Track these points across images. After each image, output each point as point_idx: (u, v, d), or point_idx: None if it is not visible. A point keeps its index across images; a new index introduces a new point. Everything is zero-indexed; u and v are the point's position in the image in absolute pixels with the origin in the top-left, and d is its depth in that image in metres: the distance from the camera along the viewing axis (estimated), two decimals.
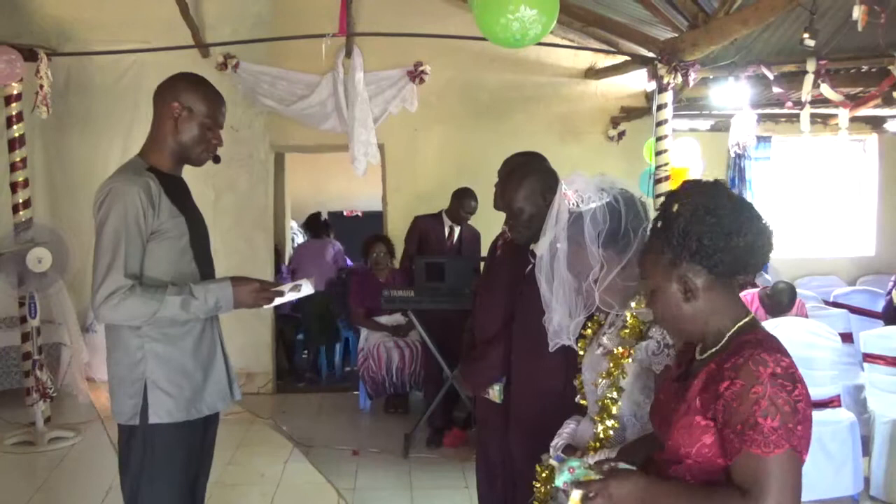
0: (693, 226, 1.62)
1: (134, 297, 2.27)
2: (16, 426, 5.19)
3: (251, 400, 6.18)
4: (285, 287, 2.57)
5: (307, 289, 2.58)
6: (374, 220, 8.21)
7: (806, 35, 3.98)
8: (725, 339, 1.65)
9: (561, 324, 2.17)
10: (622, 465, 1.72)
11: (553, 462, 1.89)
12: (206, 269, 2.55)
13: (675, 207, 1.65)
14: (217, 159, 2.57)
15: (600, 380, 2.09)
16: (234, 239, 6.51)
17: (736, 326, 1.66)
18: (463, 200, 5.69)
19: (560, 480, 1.76)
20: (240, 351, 6.41)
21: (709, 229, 1.61)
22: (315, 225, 8.05)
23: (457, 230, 5.80)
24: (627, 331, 2.07)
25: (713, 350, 1.67)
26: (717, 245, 1.61)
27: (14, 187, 5.17)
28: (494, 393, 2.83)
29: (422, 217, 5.93)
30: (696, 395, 1.62)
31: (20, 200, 5.16)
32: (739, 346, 1.60)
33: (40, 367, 5.09)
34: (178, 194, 2.47)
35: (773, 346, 1.60)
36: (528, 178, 2.67)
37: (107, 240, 2.29)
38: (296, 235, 9.62)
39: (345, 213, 10.71)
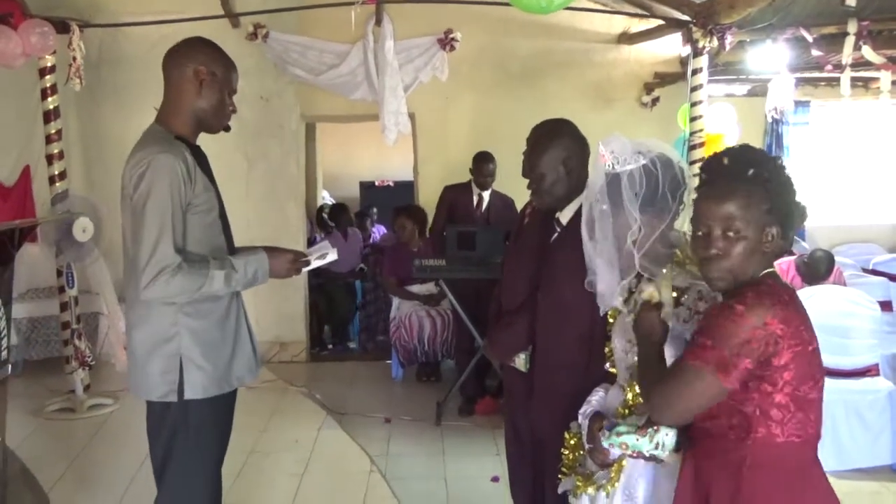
0: (789, 187, 1.76)
1: (182, 273, 2.22)
2: (56, 394, 5.31)
3: (285, 368, 6.27)
4: (312, 256, 2.60)
5: (332, 255, 2.63)
6: (405, 190, 8.21)
7: None
8: (742, 285, 1.74)
9: (609, 286, 2.15)
10: (664, 429, 1.82)
11: (603, 433, 1.96)
12: (230, 241, 2.53)
13: (778, 162, 1.79)
14: (228, 128, 2.51)
15: (631, 347, 2.07)
16: (266, 209, 6.56)
17: (760, 275, 1.76)
18: (479, 164, 5.68)
19: (606, 442, 1.92)
20: (274, 321, 6.52)
21: (787, 186, 1.77)
22: (337, 217, 8.07)
23: (486, 197, 5.75)
24: None
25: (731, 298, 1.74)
26: (798, 212, 1.78)
27: (50, 159, 5.24)
28: (520, 361, 2.82)
29: (451, 187, 5.91)
30: None
31: (56, 172, 5.22)
32: (743, 288, 1.71)
33: (79, 336, 5.19)
34: (205, 165, 2.44)
35: (774, 289, 1.70)
36: (551, 144, 2.66)
37: (152, 214, 2.22)
38: (328, 204, 9.67)
39: (376, 184, 10.72)
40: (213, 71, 2.38)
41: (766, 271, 1.76)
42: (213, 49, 2.44)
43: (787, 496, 1.69)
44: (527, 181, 2.75)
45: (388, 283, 6.13)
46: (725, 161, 1.77)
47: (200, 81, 2.37)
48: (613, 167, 2.05)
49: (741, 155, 1.78)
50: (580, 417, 2.19)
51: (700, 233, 1.77)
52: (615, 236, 2.07)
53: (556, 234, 2.69)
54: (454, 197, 5.83)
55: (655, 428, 1.82)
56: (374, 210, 8.82)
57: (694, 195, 1.88)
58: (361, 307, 7.36)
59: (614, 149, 2.06)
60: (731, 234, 1.72)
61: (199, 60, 2.37)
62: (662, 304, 1.94)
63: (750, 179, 1.73)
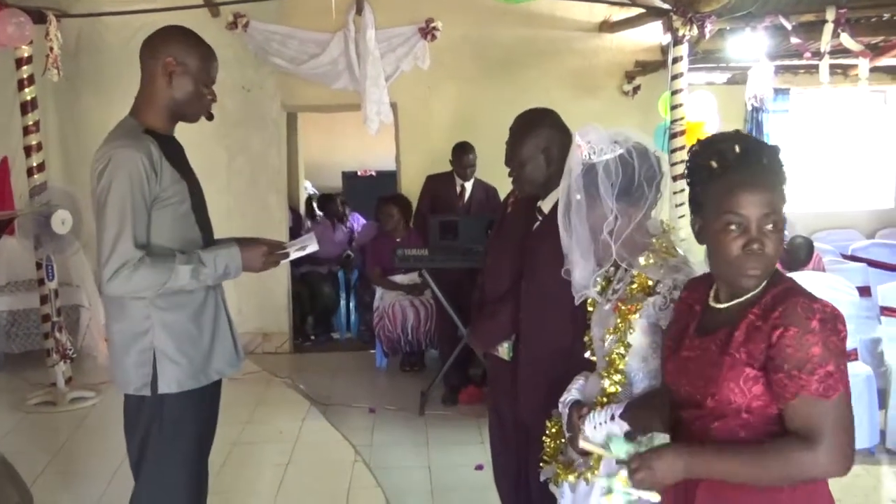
0: (783, 171, 1.68)
1: (144, 268, 2.20)
2: (37, 387, 5.28)
3: (269, 359, 6.27)
4: (291, 248, 2.55)
5: (312, 246, 2.57)
6: (388, 180, 8.18)
7: None
8: (764, 283, 1.66)
9: (583, 275, 2.16)
10: (658, 436, 1.71)
11: (590, 446, 1.89)
12: (207, 233, 2.49)
13: (773, 150, 1.68)
14: (210, 116, 2.48)
15: (608, 335, 2.09)
16: (248, 200, 6.54)
17: (771, 272, 1.67)
18: (459, 155, 5.69)
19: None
20: (257, 311, 6.51)
21: (785, 174, 1.69)
22: (325, 207, 8.08)
23: (468, 188, 5.77)
24: (635, 287, 2.06)
25: (747, 297, 1.66)
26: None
27: (28, 151, 5.20)
28: (503, 350, 2.83)
29: (433, 176, 5.92)
30: (739, 347, 1.62)
31: (34, 164, 5.19)
32: (781, 293, 1.62)
33: (59, 328, 5.17)
34: (177, 157, 2.40)
35: (806, 290, 1.63)
36: (531, 133, 2.68)
37: (112, 210, 2.20)
38: (317, 194, 9.64)
39: (359, 173, 10.68)
40: (185, 62, 2.34)
41: (773, 269, 1.69)
42: (188, 38, 2.39)
43: None
44: (509, 169, 2.77)
45: (371, 273, 6.13)
46: (737, 149, 1.66)
47: (171, 73, 2.33)
48: (590, 157, 2.05)
49: (748, 142, 1.68)
50: (560, 406, 2.21)
51: (732, 227, 1.62)
52: (590, 227, 2.07)
53: (538, 223, 2.71)
54: (437, 187, 5.84)
55: (649, 435, 1.73)
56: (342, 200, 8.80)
57: (672, 184, 1.85)
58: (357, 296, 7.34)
59: (590, 139, 2.06)
60: (769, 226, 1.62)
61: (171, 51, 2.33)
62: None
63: (767, 168, 1.65)
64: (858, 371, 4.30)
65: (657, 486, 1.67)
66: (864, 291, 5.11)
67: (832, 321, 1.56)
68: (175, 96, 2.35)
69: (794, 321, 1.55)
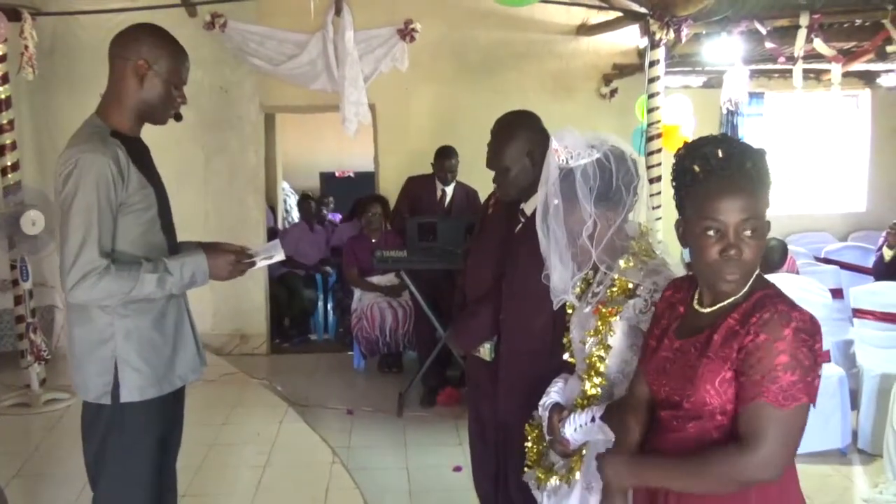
0: (769, 175, 1.68)
1: (109, 276, 2.15)
2: (11, 388, 5.22)
3: (246, 361, 6.23)
4: (258, 256, 2.51)
5: (279, 255, 2.54)
6: (366, 181, 8.19)
7: None
8: (747, 288, 1.67)
9: (561, 280, 2.17)
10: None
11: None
12: (172, 239, 2.44)
13: (758, 154, 1.68)
14: (179, 117, 2.42)
15: (588, 338, 2.11)
16: (226, 200, 6.52)
17: (754, 277, 1.68)
18: (441, 160, 5.68)
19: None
20: (234, 312, 6.49)
21: (770, 178, 1.69)
22: (303, 208, 8.07)
23: (449, 191, 5.77)
24: (615, 289, 2.08)
25: (729, 301, 1.68)
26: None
27: (2, 150, 5.13)
28: (485, 351, 2.84)
29: (414, 178, 5.92)
30: (717, 350, 1.64)
31: (8, 163, 5.11)
32: (762, 299, 1.63)
33: (34, 329, 5.10)
34: (144, 161, 2.33)
35: (789, 298, 1.64)
36: (512, 137, 2.67)
37: (77, 217, 2.14)
38: (287, 196, 9.61)
39: (337, 174, 10.67)
40: (156, 63, 2.27)
41: (756, 274, 1.69)
42: (159, 38, 2.32)
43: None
44: (489, 172, 2.77)
45: (349, 274, 6.12)
46: (720, 154, 1.66)
47: (141, 76, 2.27)
48: (567, 161, 2.06)
49: (732, 146, 1.68)
50: (540, 409, 2.22)
51: (710, 232, 1.64)
52: (568, 231, 2.08)
53: (520, 225, 2.72)
54: (417, 189, 5.84)
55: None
56: (331, 199, 8.79)
57: (649, 186, 1.86)
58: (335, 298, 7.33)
59: (567, 143, 2.07)
60: (748, 232, 1.62)
61: (141, 52, 2.27)
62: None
63: (750, 172, 1.65)
64: (831, 372, 4.35)
65: (608, 489, 1.75)
66: (837, 294, 5.19)
67: (807, 332, 1.56)
68: (144, 98, 2.29)
69: (767, 328, 1.57)
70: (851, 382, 4.49)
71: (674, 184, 1.78)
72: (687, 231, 1.72)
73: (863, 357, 4.63)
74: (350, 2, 6.16)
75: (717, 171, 1.66)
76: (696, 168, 1.69)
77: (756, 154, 1.69)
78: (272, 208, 7.63)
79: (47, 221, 4.74)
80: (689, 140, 1.79)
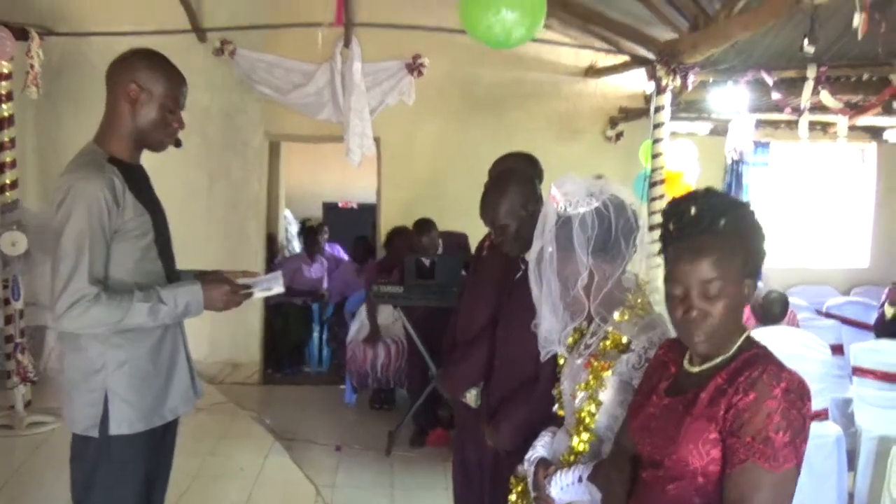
0: (759, 232, 1.67)
1: (99, 305, 2.11)
2: None
3: (237, 390, 6.15)
4: (256, 287, 2.46)
5: (278, 288, 2.49)
6: (368, 213, 8.16)
7: (806, 41, 3.92)
8: (735, 348, 1.64)
9: (551, 330, 2.11)
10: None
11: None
12: (169, 266, 2.40)
13: (747, 209, 1.68)
14: (178, 143, 2.39)
15: (579, 391, 2.04)
16: (226, 226, 6.49)
17: (743, 337, 1.66)
18: (420, 235, 5.38)
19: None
20: (229, 340, 6.42)
21: (759, 233, 1.68)
22: (307, 238, 8.00)
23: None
24: (609, 342, 2.02)
25: (718, 361, 1.64)
26: (762, 249, 1.68)
27: (1, 168, 5.11)
28: (471, 397, 2.79)
29: (399, 234, 5.90)
30: (703, 409, 1.60)
31: (7, 181, 5.10)
32: (751, 359, 1.60)
33: (22, 350, 5.04)
34: (141, 188, 2.30)
35: (778, 360, 1.61)
36: (508, 191, 2.59)
37: (69, 243, 2.11)
38: (290, 225, 9.58)
39: (340, 205, 10.65)
40: (150, 88, 2.25)
41: (745, 335, 1.66)
42: (154, 63, 2.30)
43: None
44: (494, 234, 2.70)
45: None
46: (693, 211, 1.65)
47: (134, 100, 2.24)
48: (565, 209, 2.01)
49: (709, 203, 1.66)
50: (526, 463, 2.15)
51: (676, 293, 1.64)
52: (561, 281, 2.03)
53: (520, 273, 2.65)
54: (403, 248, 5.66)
55: None
56: (326, 228, 8.73)
57: (651, 240, 1.83)
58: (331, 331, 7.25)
59: (567, 190, 2.02)
60: (710, 294, 1.60)
61: (136, 77, 2.24)
62: None
63: (722, 231, 1.63)
64: (829, 431, 4.26)
65: None
66: (837, 349, 5.11)
67: (797, 392, 1.53)
68: (138, 123, 2.26)
69: (757, 387, 1.53)
70: (849, 443, 4.39)
71: (660, 240, 1.79)
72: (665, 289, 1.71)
73: (861, 417, 4.53)
74: (359, 34, 6.19)
75: (687, 230, 1.66)
76: (672, 227, 1.70)
77: (735, 210, 1.66)
78: (272, 236, 7.57)
79: (40, 242, 4.69)
80: (690, 189, 1.76)
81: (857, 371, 4.66)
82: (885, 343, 4.85)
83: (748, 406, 1.52)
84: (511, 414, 2.53)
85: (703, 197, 1.69)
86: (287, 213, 9.64)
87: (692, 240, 1.64)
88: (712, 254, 1.61)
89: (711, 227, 1.63)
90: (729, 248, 1.62)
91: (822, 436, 4.24)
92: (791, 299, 5.28)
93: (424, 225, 5.42)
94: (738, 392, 1.55)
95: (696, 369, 1.69)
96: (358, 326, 5.97)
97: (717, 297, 1.60)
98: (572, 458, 2.02)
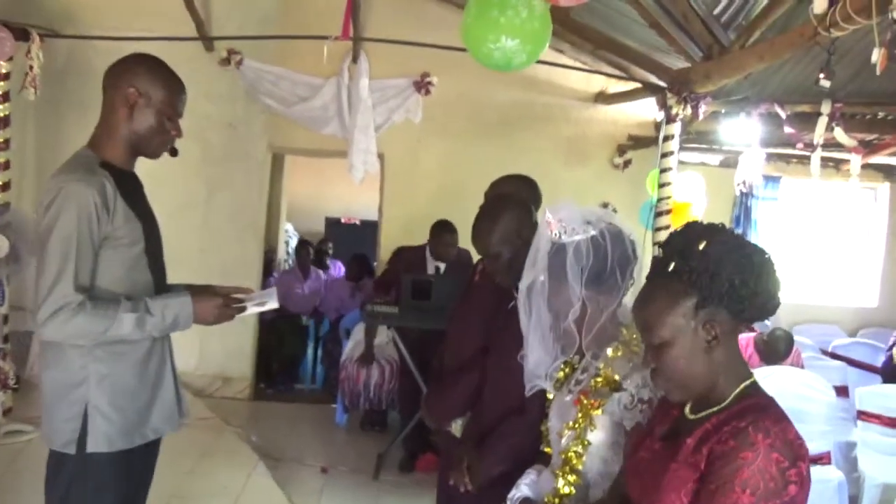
0: (725, 265, 1.49)
1: (84, 313, 2.02)
2: None
3: (226, 405, 6.02)
4: (249, 302, 2.37)
5: (272, 303, 2.40)
6: (371, 229, 8.08)
7: (821, 76, 3.82)
8: (731, 397, 1.53)
9: (538, 364, 1.99)
10: None
11: None
12: (160, 278, 2.31)
13: (702, 245, 1.51)
14: (174, 152, 2.32)
15: (566, 430, 1.92)
16: (224, 238, 6.38)
17: (742, 385, 1.54)
18: (441, 235, 5.31)
19: None
20: (220, 353, 6.30)
21: (741, 270, 1.50)
22: (302, 255, 7.85)
23: (443, 268, 5.43)
24: (600, 379, 1.90)
25: (714, 409, 1.53)
26: (748, 287, 1.50)
27: None
28: (456, 427, 2.68)
29: (406, 249, 5.68)
30: (687, 455, 1.50)
31: None
32: (744, 409, 1.49)
33: (3, 356, 4.92)
34: (134, 195, 2.23)
35: (779, 414, 1.48)
36: (501, 217, 2.44)
37: (55, 247, 2.03)
38: (290, 238, 9.50)
39: (342, 220, 10.59)
40: (148, 93, 2.18)
41: (746, 383, 1.54)
42: (154, 68, 2.23)
43: None
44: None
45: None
46: (660, 253, 1.58)
47: (132, 105, 2.17)
48: (560, 236, 1.90)
49: (670, 244, 1.57)
50: (508, 502, 2.03)
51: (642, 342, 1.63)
52: (553, 312, 1.91)
53: (513, 303, 2.53)
54: (409, 260, 5.54)
55: None
56: (330, 244, 8.64)
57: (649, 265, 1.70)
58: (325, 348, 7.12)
59: (562, 216, 1.91)
60: (654, 344, 1.54)
61: (135, 81, 2.17)
62: None
63: (670, 275, 1.53)
64: (830, 476, 4.12)
65: None
66: (842, 391, 4.97)
67: (784, 451, 1.39)
68: (135, 129, 2.19)
69: (738, 437, 1.42)
70: (851, 488, 4.26)
71: None
72: None
73: (865, 463, 4.40)
74: (367, 50, 6.13)
75: (648, 276, 1.60)
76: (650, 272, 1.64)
77: (693, 243, 1.52)
78: (272, 250, 7.48)
79: (31, 246, 4.58)
80: (696, 220, 1.65)
81: (863, 415, 4.54)
82: (893, 388, 4.72)
83: (723, 454, 1.42)
84: (494, 445, 2.40)
85: (673, 237, 1.60)
86: (289, 226, 9.57)
87: (644, 287, 1.61)
88: (652, 301, 1.55)
89: (662, 272, 1.55)
90: (672, 292, 1.52)
91: (824, 480, 4.09)
92: (796, 338, 5.17)
93: (447, 224, 5.33)
94: (720, 440, 1.44)
95: (694, 415, 1.59)
96: (353, 345, 5.85)
97: (663, 347, 1.53)
98: (557, 501, 1.90)
